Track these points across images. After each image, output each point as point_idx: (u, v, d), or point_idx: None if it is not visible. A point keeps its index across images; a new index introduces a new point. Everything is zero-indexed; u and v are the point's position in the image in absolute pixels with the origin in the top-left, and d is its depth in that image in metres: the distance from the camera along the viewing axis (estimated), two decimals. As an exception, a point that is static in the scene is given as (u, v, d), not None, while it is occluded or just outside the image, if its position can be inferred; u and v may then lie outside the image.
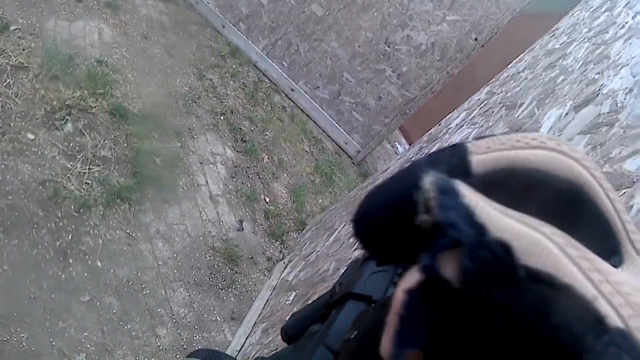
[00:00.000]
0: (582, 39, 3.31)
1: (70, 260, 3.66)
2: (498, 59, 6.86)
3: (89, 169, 4.22)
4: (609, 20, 3.22)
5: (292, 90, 7.52)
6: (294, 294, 3.84)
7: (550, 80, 3.00)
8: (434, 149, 4.04)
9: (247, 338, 4.07)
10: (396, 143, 9.35)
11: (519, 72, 3.91)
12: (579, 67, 2.78)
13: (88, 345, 3.39)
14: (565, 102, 2.43)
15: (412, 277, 0.32)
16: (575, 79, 2.63)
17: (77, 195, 3.98)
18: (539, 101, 2.79)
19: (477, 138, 0.37)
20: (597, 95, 2.17)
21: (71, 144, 4.29)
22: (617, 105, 1.93)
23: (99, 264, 3.79)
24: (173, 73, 6.06)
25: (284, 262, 4.89)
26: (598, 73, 2.43)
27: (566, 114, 2.27)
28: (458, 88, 7.29)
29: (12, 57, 4.48)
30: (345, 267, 0.66)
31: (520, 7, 6.05)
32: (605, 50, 2.70)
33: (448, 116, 4.84)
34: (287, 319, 0.73)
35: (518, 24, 6.30)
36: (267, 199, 5.63)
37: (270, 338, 3.51)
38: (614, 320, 0.27)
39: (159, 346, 3.72)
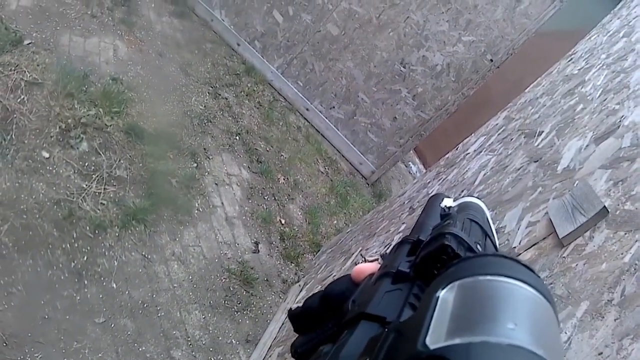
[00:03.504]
0: (600, 65, 3.28)
1: (85, 282, 3.62)
2: (512, 79, 6.85)
3: (104, 189, 4.19)
4: (628, 47, 3.19)
5: (307, 109, 7.51)
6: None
7: (569, 109, 2.96)
8: (451, 175, 4.01)
9: (262, 362, 4.02)
10: (410, 163, 9.32)
11: (537, 98, 3.87)
12: (599, 96, 2.74)
13: (102, 367, 3.35)
14: (585, 133, 2.38)
15: None
16: (595, 109, 2.59)
17: (93, 216, 3.95)
18: (558, 130, 2.74)
19: None
20: (618, 127, 2.12)
21: (86, 163, 4.27)
22: (638, 140, 1.89)
23: (114, 285, 3.75)
24: (188, 91, 6.05)
25: (300, 285, 4.84)
26: (618, 103, 2.39)
27: (587, 145, 2.22)
28: (472, 108, 7.27)
29: (27, 72, 4.46)
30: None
31: (535, 27, 6.03)
32: (625, 78, 2.66)
33: (465, 140, 4.80)
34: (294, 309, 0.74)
35: (531, 42, 6.27)
36: (283, 221, 5.60)
37: (287, 363, 3.46)
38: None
39: (173, 369, 3.68)
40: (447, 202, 0.75)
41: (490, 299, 0.37)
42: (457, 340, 0.34)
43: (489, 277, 0.39)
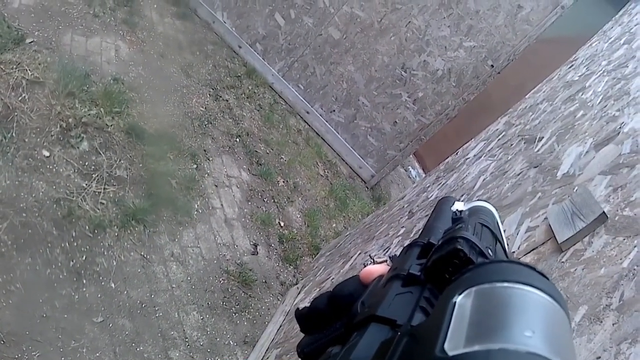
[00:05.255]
0: (601, 71, 3.29)
1: (84, 281, 3.62)
2: (513, 84, 6.86)
3: (104, 188, 4.19)
4: (629, 54, 3.19)
5: (308, 112, 7.51)
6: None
7: (569, 115, 2.97)
8: (451, 179, 4.02)
9: (259, 363, 4.02)
10: (409, 167, 9.33)
11: (537, 104, 3.88)
12: (599, 102, 2.75)
13: (100, 367, 3.35)
14: (585, 139, 2.39)
15: None
16: (595, 115, 2.60)
17: (92, 216, 3.95)
18: (558, 136, 2.75)
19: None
20: (618, 133, 2.13)
21: (86, 163, 4.27)
22: (637, 146, 1.90)
23: (113, 285, 3.75)
24: (189, 93, 6.05)
25: (298, 287, 4.84)
26: (618, 110, 2.39)
27: (587, 152, 2.23)
28: (472, 113, 7.28)
29: (28, 71, 4.46)
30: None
31: (536, 33, 6.05)
32: (625, 85, 2.67)
33: (465, 145, 4.80)
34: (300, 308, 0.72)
35: (532, 48, 6.29)
36: (282, 223, 5.60)
37: (285, 365, 3.46)
38: None
39: (171, 369, 3.68)
40: (458, 206, 0.75)
41: (507, 306, 0.37)
42: (476, 347, 0.34)
43: (505, 284, 0.39)
